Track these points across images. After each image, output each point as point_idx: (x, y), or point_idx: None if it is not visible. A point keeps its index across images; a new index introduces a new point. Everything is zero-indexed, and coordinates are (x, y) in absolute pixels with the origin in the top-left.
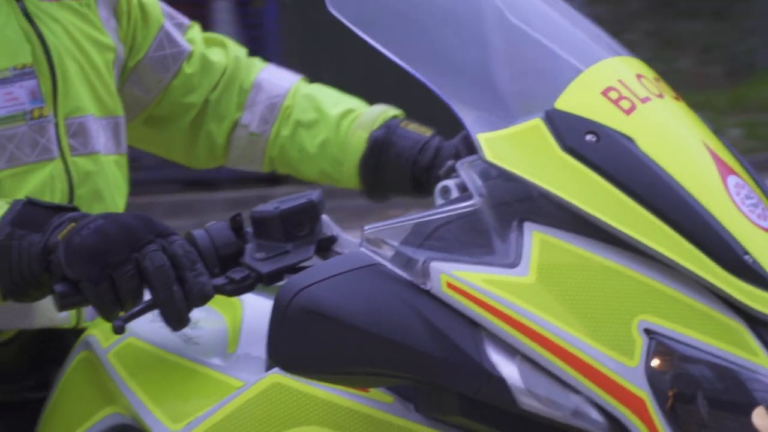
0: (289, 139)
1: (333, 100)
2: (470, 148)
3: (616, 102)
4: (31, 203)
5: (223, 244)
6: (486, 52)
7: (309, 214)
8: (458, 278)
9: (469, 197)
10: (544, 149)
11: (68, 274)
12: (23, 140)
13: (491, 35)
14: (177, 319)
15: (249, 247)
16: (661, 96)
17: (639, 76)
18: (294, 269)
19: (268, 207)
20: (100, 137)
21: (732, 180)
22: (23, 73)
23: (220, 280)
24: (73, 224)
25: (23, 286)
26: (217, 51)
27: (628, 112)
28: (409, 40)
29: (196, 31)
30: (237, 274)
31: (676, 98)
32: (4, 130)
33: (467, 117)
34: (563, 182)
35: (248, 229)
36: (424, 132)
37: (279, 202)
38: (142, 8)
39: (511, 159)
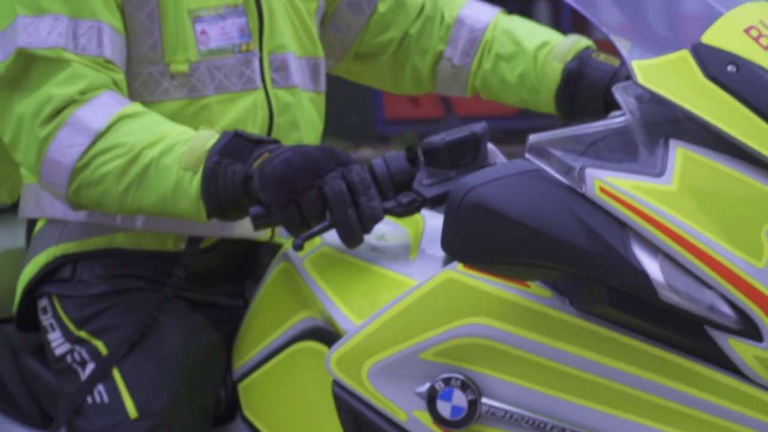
0: (490, 71)
1: (530, 33)
2: None
3: (756, 39)
4: (237, 135)
5: (398, 171)
6: None
7: (472, 144)
8: (610, 183)
9: (621, 115)
10: (689, 77)
11: (261, 198)
12: (231, 71)
13: None
14: (351, 238)
15: (419, 174)
16: None
17: None
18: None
19: (436, 138)
20: (300, 75)
21: None
22: (235, 12)
23: (390, 204)
24: (267, 154)
25: (227, 208)
26: None
27: (766, 48)
28: None
29: None
30: (405, 198)
31: None
32: (215, 60)
33: (624, 47)
34: (706, 106)
35: (421, 158)
36: (614, 62)
37: (446, 134)
38: None
39: (660, 84)
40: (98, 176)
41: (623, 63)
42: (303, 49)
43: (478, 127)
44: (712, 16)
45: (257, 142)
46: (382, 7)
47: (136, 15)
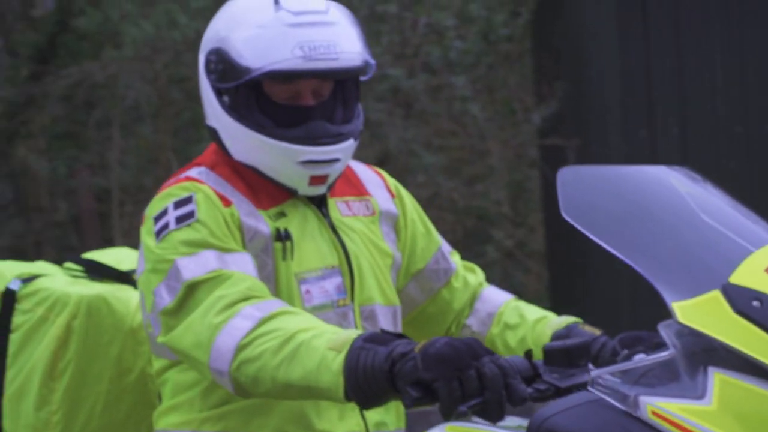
0: (497, 335)
1: (533, 311)
2: (625, 346)
3: None
4: (382, 330)
5: (523, 368)
6: (677, 241)
7: (585, 350)
8: (660, 407)
9: (666, 349)
10: (721, 313)
11: (423, 376)
12: (331, 322)
13: (681, 228)
14: (498, 415)
15: (542, 370)
16: None
17: None
18: (580, 387)
19: (558, 344)
20: (384, 321)
21: None
22: (332, 272)
23: (530, 389)
24: (425, 341)
25: (365, 387)
26: (470, 274)
27: None
28: (622, 236)
29: (457, 255)
30: (541, 386)
31: None
32: (318, 314)
33: (663, 289)
34: (737, 337)
35: (535, 361)
36: (595, 331)
37: (563, 342)
38: (425, 225)
39: (697, 320)
40: (257, 353)
41: (603, 333)
42: (386, 298)
43: (587, 336)
44: (739, 253)
45: (398, 335)
46: (455, 283)
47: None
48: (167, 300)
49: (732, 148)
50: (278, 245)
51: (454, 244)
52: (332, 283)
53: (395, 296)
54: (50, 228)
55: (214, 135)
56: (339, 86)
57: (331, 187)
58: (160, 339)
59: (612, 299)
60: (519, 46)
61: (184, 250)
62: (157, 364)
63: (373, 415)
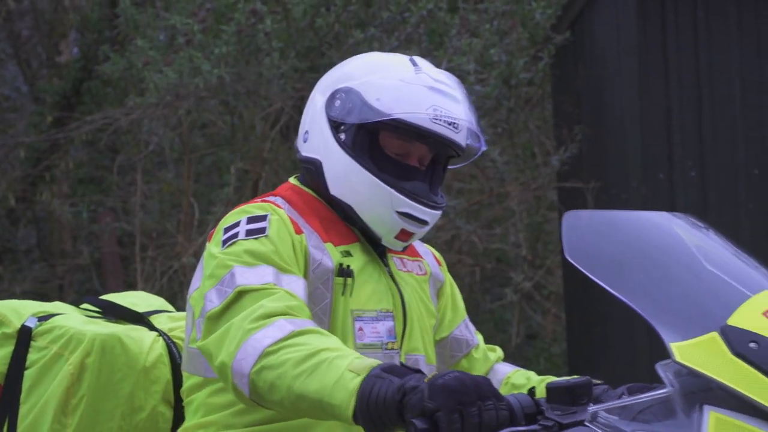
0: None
1: (540, 376)
2: (632, 393)
3: None
4: (401, 364)
5: (527, 405)
6: (676, 285)
7: (586, 388)
8: None
9: (664, 388)
10: (719, 354)
11: (428, 405)
12: None
13: (681, 273)
14: None
15: (546, 408)
16: None
17: None
18: (582, 423)
19: (561, 382)
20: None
21: None
22: (387, 316)
23: (534, 427)
24: (434, 373)
25: (374, 412)
26: (491, 352)
27: None
28: (623, 278)
29: (480, 335)
30: (547, 422)
31: None
32: (367, 352)
33: (662, 329)
34: (733, 377)
35: (538, 399)
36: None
37: (565, 380)
38: (454, 300)
39: (695, 360)
40: (280, 361)
41: (603, 383)
42: (429, 356)
43: (587, 378)
44: (736, 298)
45: (414, 370)
46: (476, 354)
47: (312, 308)
48: (215, 303)
49: (750, 190)
50: (339, 280)
51: (473, 287)
52: (385, 326)
53: (434, 354)
54: (73, 272)
55: (311, 167)
56: (433, 162)
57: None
58: (199, 343)
59: (630, 341)
60: (539, 90)
61: (246, 259)
62: (188, 381)
63: None
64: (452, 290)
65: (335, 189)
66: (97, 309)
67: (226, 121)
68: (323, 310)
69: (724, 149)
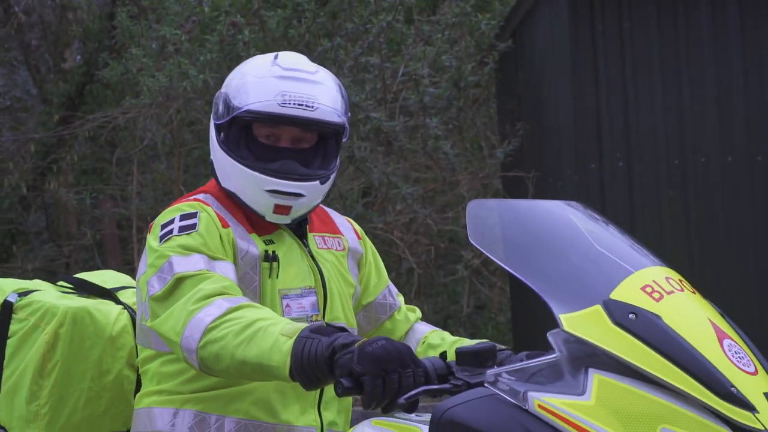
0: (421, 354)
1: (454, 336)
2: (531, 359)
3: (650, 294)
4: (327, 324)
5: (439, 367)
6: (568, 264)
7: (491, 353)
8: (545, 401)
9: (553, 353)
10: (602, 323)
11: (355, 369)
12: None
13: (572, 253)
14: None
15: (455, 369)
16: (681, 290)
17: (668, 278)
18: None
19: (468, 347)
20: None
21: (726, 342)
22: (309, 292)
23: (446, 386)
24: (365, 338)
25: (307, 368)
26: (411, 313)
27: (657, 300)
28: (520, 258)
29: (401, 297)
30: (456, 381)
31: (693, 292)
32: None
33: (552, 302)
34: (614, 344)
35: (449, 362)
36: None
37: (473, 345)
38: (377, 267)
39: (581, 329)
40: (222, 334)
41: (511, 348)
42: (347, 319)
43: (491, 343)
44: (620, 274)
45: (339, 329)
46: (398, 316)
47: (243, 290)
48: (156, 288)
49: (671, 178)
50: (266, 265)
51: (429, 263)
52: (308, 301)
53: (354, 320)
54: (78, 251)
55: (211, 167)
56: (322, 141)
57: (305, 222)
58: (149, 323)
59: None
60: (485, 91)
61: (179, 251)
62: (142, 353)
63: (328, 414)
64: (374, 259)
65: (224, 182)
66: (71, 285)
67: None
68: (253, 291)
69: (647, 142)
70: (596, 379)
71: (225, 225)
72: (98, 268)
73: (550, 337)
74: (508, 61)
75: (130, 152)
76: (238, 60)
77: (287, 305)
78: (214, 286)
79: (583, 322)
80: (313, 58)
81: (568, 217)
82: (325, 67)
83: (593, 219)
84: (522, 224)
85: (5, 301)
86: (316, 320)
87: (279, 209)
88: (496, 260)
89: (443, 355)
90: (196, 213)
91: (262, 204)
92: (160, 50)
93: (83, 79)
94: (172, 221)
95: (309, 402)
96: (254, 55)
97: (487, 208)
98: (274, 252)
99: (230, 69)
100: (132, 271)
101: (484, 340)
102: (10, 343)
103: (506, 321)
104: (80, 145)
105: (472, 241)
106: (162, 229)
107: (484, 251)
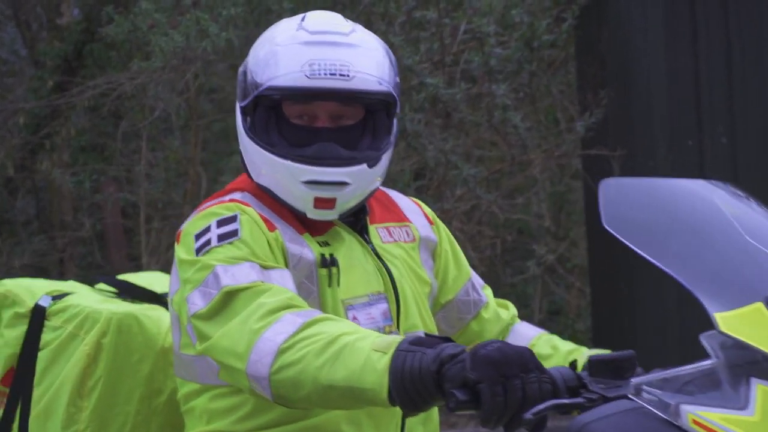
0: None
1: (564, 343)
2: None
3: None
4: (427, 334)
5: (569, 378)
6: (716, 254)
7: (631, 362)
8: (702, 417)
9: (708, 359)
10: (764, 324)
11: (470, 376)
12: None
13: (720, 242)
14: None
15: (589, 381)
16: None
17: None
18: (625, 397)
19: (603, 356)
20: None
21: None
22: (378, 298)
23: (579, 399)
24: (477, 343)
25: (410, 388)
26: (503, 309)
27: None
28: (664, 248)
29: (489, 290)
30: (591, 395)
31: None
32: None
33: (705, 299)
34: None
35: (580, 372)
36: None
37: (609, 354)
38: (456, 256)
39: (739, 330)
40: (299, 356)
41: None
42: (426, 326)
43: (631, 352)
44: None
45: (444, 338)
46: (485, 314)
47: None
48: (200, 305)
49: None
50: (323, 271)
51: (494, 260)
52: (378, 310)
53: (434, 325)
54: (74, 245)
55: (241, 160)
56: (370, 115)
57: (363, 213)
58: (199, 347)
59: (656, 316)
60: (563, 53)
61: (225, 260)
62: (183, 388)
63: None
64: (452, 247)
65: (256, 177)
66: (112, 288)
67: (235, 86)
68: (311, 304)
69: (756, 114)
70: (760, 390)
71: (271, 228)
72: (98, 264)
73: (704, 340)
74: (590, 17)
75: (138, 125)
76: (267, 16)
77: (354, 317)
78: (279, 298)
79: (742, 322)
80: (359, 13)
81: (713, 201)
82: (372, 23)
83: (742, 203)
84: (663, 208)
85: (36, 305)
86: (390, 331)
87: (321, 203)
88: (635, 249)
89: (573, 364)
90: (236, 216)
91: (300, 198)
92: (175, 3)
93: (83, 38)
94: (207, 229)
95: (386, 422)
96: (287, 8)
97: (623, 188)
98: (332, 255)
99: (259, 26)
100: (138, 269)
101: (606, 350)
102: (43, 355)
103: (585, 329)
104: (78, 117)
105: (606, 226)
106: (197, 240)
107: (621, 239)
